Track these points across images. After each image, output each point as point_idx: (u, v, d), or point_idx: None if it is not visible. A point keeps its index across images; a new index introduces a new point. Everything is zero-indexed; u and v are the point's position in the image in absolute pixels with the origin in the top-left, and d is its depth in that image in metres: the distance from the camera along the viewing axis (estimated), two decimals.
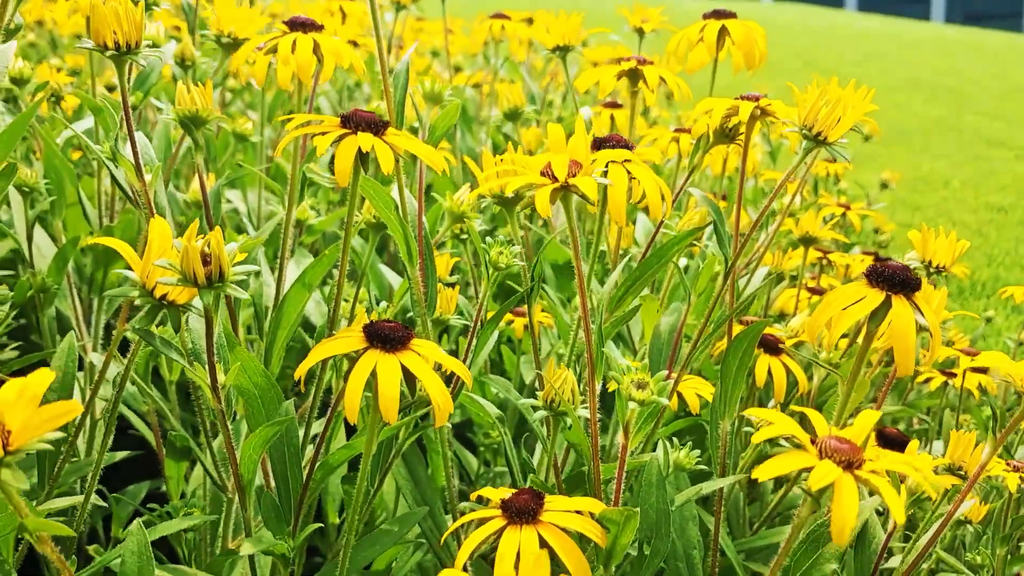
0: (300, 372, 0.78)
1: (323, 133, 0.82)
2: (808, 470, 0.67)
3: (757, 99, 0.99)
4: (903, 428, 2.21)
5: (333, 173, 0.82)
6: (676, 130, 1.36)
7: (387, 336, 0.76)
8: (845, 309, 0.85)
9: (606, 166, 0.80)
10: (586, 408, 0.86)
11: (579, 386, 0.92)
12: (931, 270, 1.21)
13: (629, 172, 0.88)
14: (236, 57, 0.96)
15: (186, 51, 1.35)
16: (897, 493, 0.65)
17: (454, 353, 1.47)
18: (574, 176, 0.74)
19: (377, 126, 0.83)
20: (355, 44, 1.89)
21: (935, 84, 9.02)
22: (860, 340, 0.91)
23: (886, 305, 0.84)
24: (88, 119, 1.34)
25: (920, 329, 0.85)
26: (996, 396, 1.96)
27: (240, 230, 1.60)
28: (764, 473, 0.66)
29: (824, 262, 1.97)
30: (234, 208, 1.60)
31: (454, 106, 0.98)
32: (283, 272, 1.05)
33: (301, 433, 1.09)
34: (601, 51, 2.27)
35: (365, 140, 0.80)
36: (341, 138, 0.81)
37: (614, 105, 1.63)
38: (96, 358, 1.14)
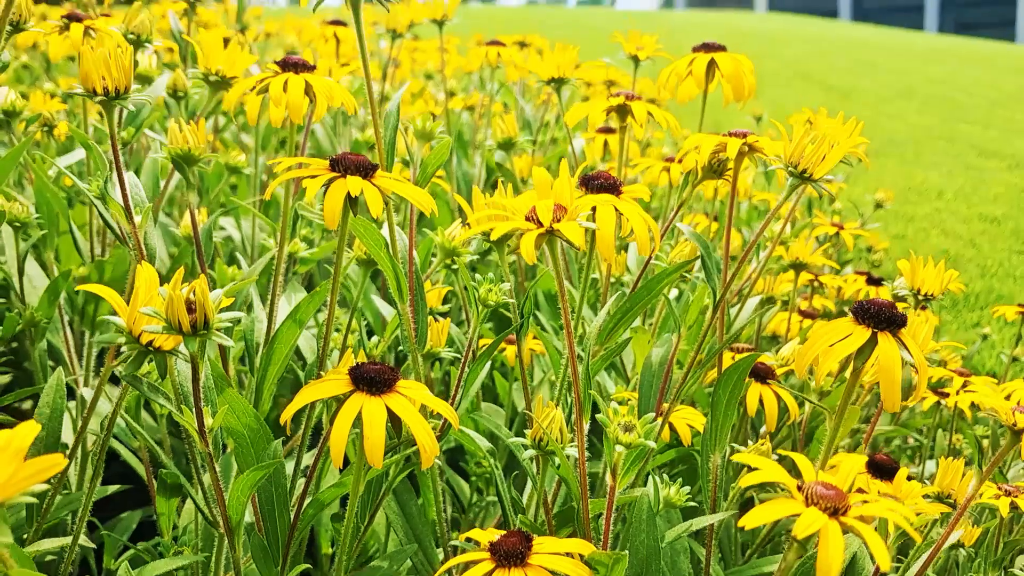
0: (286, 416, 0.78)
1: (313, 176, 0.82)
2: (795, 516, 0.67)
3: (744, 135, 0.99)
4: (898, 444, 2.22)
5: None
6: (666, 159, 1.37)
7: (373, 379, 0.77)
8: (832, 346, 0.86)
9: (592, 209, 0.81)
10: (574, 447, 0.86)
11: (568, 424, 0.92)
12: (919, 298, 1.22)
13: (617, 209, 0.89)
14: (228, 99, 0.96)
15: (178, 82, 1.36)
16: (883, 540, 0.66)
17: (446, 382, 1.48)
18: (559, 221, 0.75)
19: (366, 169, 0.83)
20: (348, 66, 1.89)
21: (928, 93, 9.06)
22: (848, 375, 0.91)
23: (872, 342, 0.85)
24: (80, 150, 1.34)
25: (907, 365, 0.86)
26: (989, 415, 1.96)
27: (233, 260, 1.60)
28: (752, 521, 0.66)
29: (816, 284, 1.97)
30: (228, 236, 1.60)
31: (445, 144, 0.98)
32: (274, 308, 1.05)
33: (292, 466, 1.09)
34: (594, 72, 2.28)
35: (354, 184, 0.81)
36: (330, 182, 0.82)
37: (608, 131, 1.64)
38: (87, 392, 1.14)
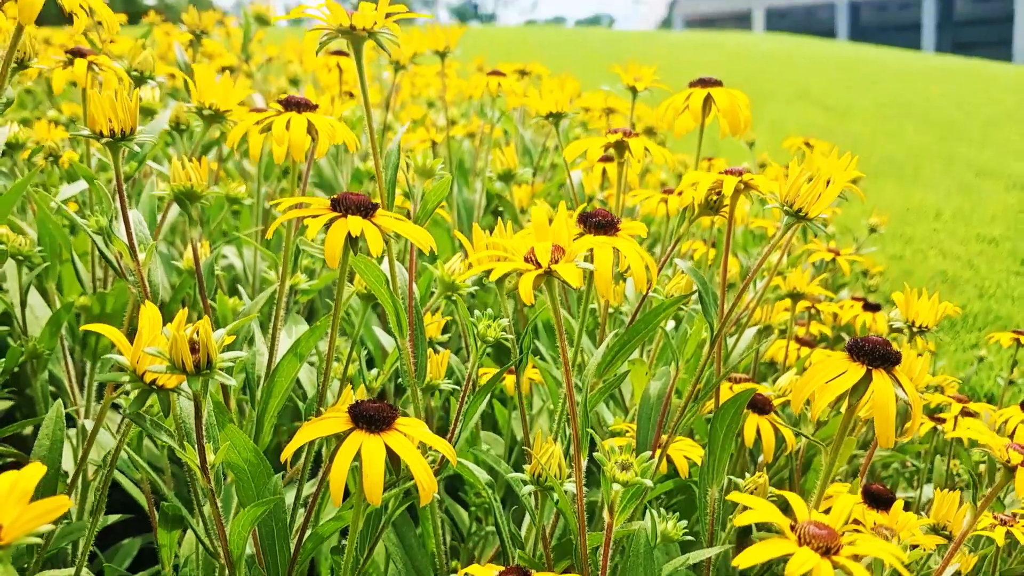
0: (287, 455, 0.79)
1: (314, 216, 0.84)
2: (788, 555, 0.68)
3: (740, 173, 1.01)
4: (896, 468, 2.22)
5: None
6: (664, 190, 1.38)
7: (372, 417, 0.78)
8: (828, 382, 0.87)
9: (589, 251, 0.82)
10: (573, 482, 0.87)
11: (566, 457, 0.93)
12: (914, 330, 1.23)
13: (615, 247, 0.90)
14: (231, 136, 0.97)
15: (180, 115, 1.37)
16: None
17: (446, 408, 1.48)
18: (557, 262, 0.76)
19: (367, 208, 0.84)
20: (351, 96, 1.92)
21: (926, 113, 9.10)
22: (843, 410, 0.92)
23: (867, 379, 0.86)
24: (83, 181, 1.35)
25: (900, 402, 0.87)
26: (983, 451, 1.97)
27: (235, 290, 1.61)
28: (745, 560, 0.67)
29: (812, 310, 1.98)
30: (230, 264, 1.61)
31: (445, 181, 1.00)
32: (276, 341, 1.06)
33: (292, 495, 1.10)
34: (594, 99, 2.30)
35: (355, 224, 0.82)
36: (331, 221, 0.83)
37: (606, 159, 1.66)
38: (89, 424, 1.14)
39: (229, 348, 0.77)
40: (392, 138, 2.19)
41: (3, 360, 1.12)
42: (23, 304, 1.26)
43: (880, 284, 2.62)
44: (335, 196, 0.85)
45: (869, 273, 2.57)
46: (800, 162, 1.03)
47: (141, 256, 0.90)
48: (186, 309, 0.74)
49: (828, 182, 1.16)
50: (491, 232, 2.02)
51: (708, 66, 10.79)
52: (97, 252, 1.36)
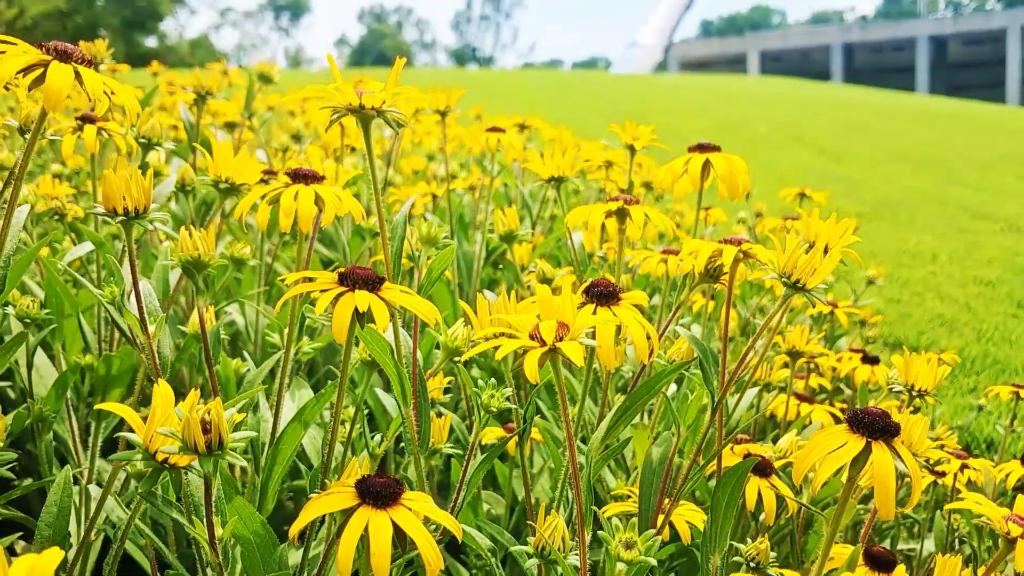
0: (294, 531, 0.80)
1: (322, 290, 0.85)
2: None
3: (740, 243, 1.03)
4: (896, 518, 2.22)
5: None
6: (664, 251, 1.40)
7: (379, 493, 0.79)
8: (828, 454, 0.88)
9: (592, 328, 0.83)
10: (576, 555, 0.87)
11: (569, 526, 0.94)
12: (913, 393, 1.24)
13: (616, 317, 0.92)
14: (239, 207, 0.99)
15: (186, 176, 1.40)
16: None
17: (447, 464, 1.49)
18: (560, 339, 0.77)
19: (373, 283, 0.86)
20: (352, 151, 1.95)
21: (921, 156, 9.19)
22: (844, 480, 0.93)
23: (867, 451, 0.87)
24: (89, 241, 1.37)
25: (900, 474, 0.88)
26: (984, 487, 1.97)
27: (236, 346, 1.62)
28: None
29: (812, 364, 2.00)
30: (231, 320, 1.63)
31: (450, 250, 1.01)
32: (280, 409, 1.07)
33: (300, 555, 1.10)
34: (593, 152, 2.34)
35: (362, 299, 0.83)
36: (339, 296, 0.84)
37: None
38: (94, 489, 1.15)
39: (239, 432, 0.78)
40: (393, 193, 2.23)
41: (10, 423, 1.12)
42: (29, 366, 1.27)
43: (879, 335, 2.63)
44: (342, 270, 0.87)
45: (867, 323, 2.59)
46: (804, 210, 1.05)
47: (151, 328, 0.91)
48: (197, 392, 0.76)
49: (826, 249, 1.18)
50: (491, 284, 2.02)
51: (704, 109, 10.91)
52: (104, 313, 1.38)
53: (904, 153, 9.24)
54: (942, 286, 4.74)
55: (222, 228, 1.77)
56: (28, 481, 1.70)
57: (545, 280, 1.43)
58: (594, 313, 0.93)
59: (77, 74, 0.79)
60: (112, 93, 0.79)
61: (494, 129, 1.84)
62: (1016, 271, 5.14)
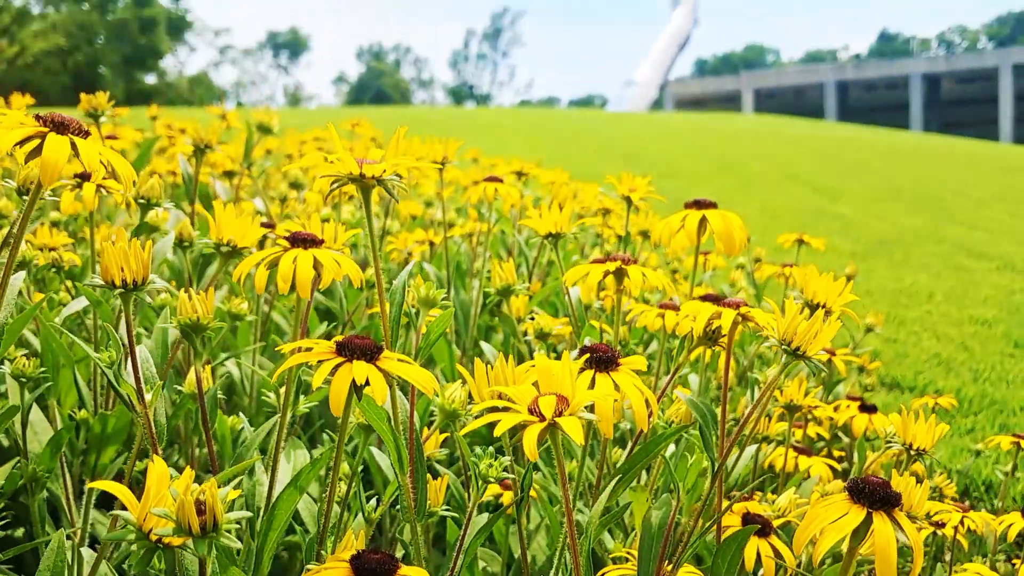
0: None
1: (320, 361, 0.85)
2: None
3: (738, 306, 1.03)
4: (897, 568, 2.19)
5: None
6: (661, 306, 1.40)
7: (374, 571, 0.78)
8: (829, 524, 0.87)
9: (591, 402, 0.83)
10: None
11: None
12: (912, 452, 1.24)
13: (614, 380, 0.92)
14: (236, 271, 0.99)
15: (184, 232, 1.40)
16: None
17: (443, 523, 1.47)
18: (560, 414, 0.77)
19: (371, 352, 0.86)
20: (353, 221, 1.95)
21: (916, 194, 9.23)
22: (844, 551, 0.92)
23: (868, 521, 0.87)
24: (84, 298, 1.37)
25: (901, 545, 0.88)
26: (985, 537, 1.96)
27: (231, 399, 1.61)
28: None
29: (809, 415, 1.99)
30: (226, 371, 1.62)
31: (448, 313, 1.01)
32: (276, 471, 1.06)
33: None
34: (590, 198, 2.35)
35: (360, 371, 0.83)
36: (337, 367, 0.84)
37: (602, 263, 1.68)
38: (87, 553, 1.14)
39: (235, 512, 0.77)
40: (391, 242, 2.23)
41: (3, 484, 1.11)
42: (24, 424, 1.26)
43: (875, 384, 2.62)
44: (340, 340, 0.86)
45: (866, 369, 2.58)
46: (800, 261, 1.05)
47: (148, 397, 0.91)
48: (192, 472, 0.75)
49: (825, 309, 1.18)
50: (487, 330, 2.01)
51: (700, 147, 10.98)
52: (101, 373, 1.37)
53: (899, 191, 9.28)
54: (938, 325, 4.74)
55: (218, 280, 1.77)
56: (20, 532, 1.68)
57: (542, 335, 1.43)
58: (593, 380, 0.93)
59: (73, 145, 0.79)
60: (108, 163, 0.80)
61: (491, 179, 1.85)
62: (1012, 310, 5.14)
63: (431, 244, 2.17)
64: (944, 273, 6.10)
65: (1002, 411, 3.51)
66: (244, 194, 2.21)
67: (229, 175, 2.01)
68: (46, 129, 0.78)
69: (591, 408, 0.80)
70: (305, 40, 54.15)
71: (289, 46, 53.73)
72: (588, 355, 0.95)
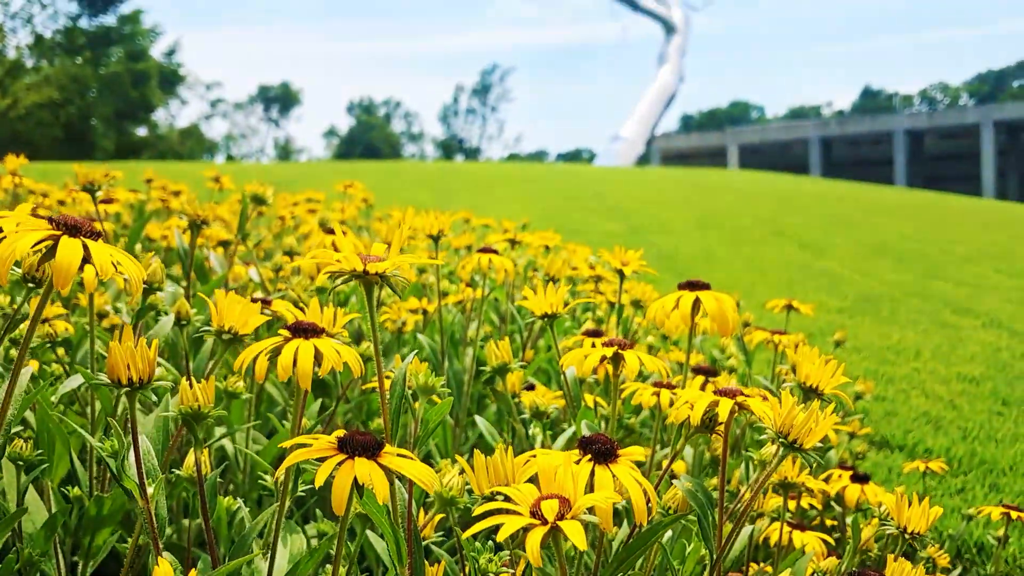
0: None
1: (321, 458, 0.85)
2: None
3: (735, 395, 1.04)
4: None
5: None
6: (655, 384, 1.42)
7: None
8: None
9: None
10: None
11: None
12: (907, 537, 1.24)
13: (613, 472, 0.93)
14: (237, 362, 1.00)
15: (182, 309, 1.41)
16: None
17: None
18: (562, 518, 0.78)
19: (373, 449, 0.86)
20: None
21: (901, 249, 9.33)
22: None
23: None
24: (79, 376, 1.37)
25: None
26: None
27: (224, 479, 1.61)
28: None
29: (803, 487, 1.99)
30: (220, 445, 1.62)
31: (446, 403, 1.02)
32: (274, 560, 1.06)
33: None
34: (582, 263, 2.37)
35: (362, 469, 0.84)
36: (339, 464, 0.85)
37: (595, 334, 1.70)
38: None
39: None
40: (386, 311, 2.24)
41: None
42: (19, 504, 1.25)
43: (866, 452, 2.63)
44: (341, 436, 0.87)
45: (856, 435, 2.59)
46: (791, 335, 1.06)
47: (150, 490, 0.91)
48: (195, 573, 0.75)
49: (819, 391, 1.20)
50: (480, 399, 2.01)
51: (687, 202, 11.10)
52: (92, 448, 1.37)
53: (884, 247, 9.38)
54: (926, 383, 4.75)
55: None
56: None
57: (538, 414, 1.44)
58: (592, 473, 0.93)
59: (86, 247, 0.80)
60: (118, 264, 0.81)
61: (486, 250, 1.87)
62: (999, 367, 5.17)
63: (425, 313, 2.19)
64: (931, 330, 6.14)
65: (992, 471, 3.51)
66: (238, 259, 2.22)
67: (224, 244, 2.03)
68: (59, 232, 0.80)
69: (592, 509, 0.81)
70: (296, 94, 54.62)
71: (280, 100, 54.18)
72: (587, 446, 0.96)
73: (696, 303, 1.31)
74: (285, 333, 1.00)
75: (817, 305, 6.45)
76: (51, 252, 0.80)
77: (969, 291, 7.63)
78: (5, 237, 0.78)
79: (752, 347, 2.79)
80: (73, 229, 0.80)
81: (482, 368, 1.80)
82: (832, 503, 2.35)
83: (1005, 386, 4.88)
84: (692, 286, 1.32)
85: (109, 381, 0.86)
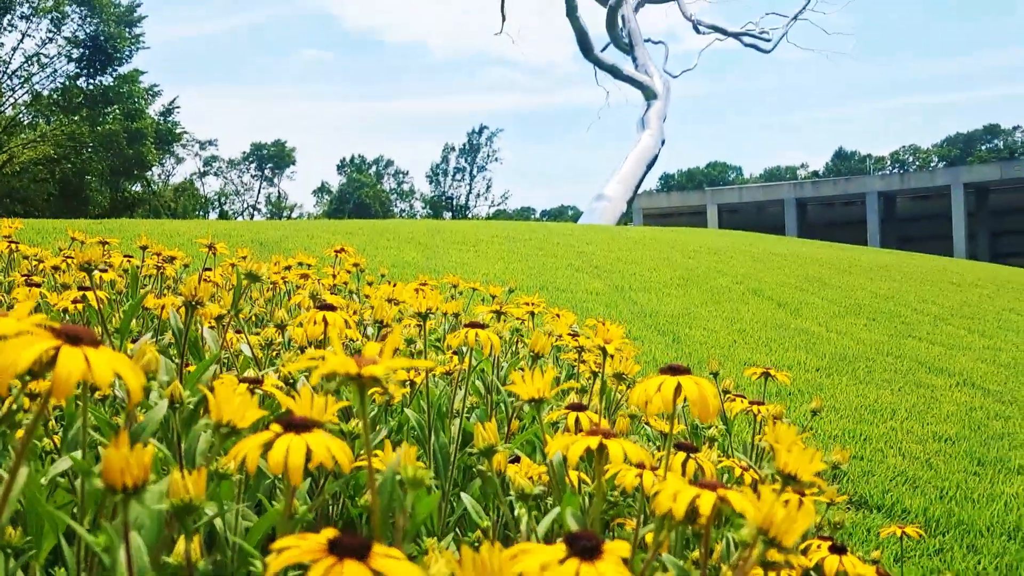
0: None
1: (312, 561, 0.87)
2: None
3: (715, 488, 1.07)
4: None
5: None
6: (638, 465, 1.44)
7: None
8: None
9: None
10: None
11: None
12: None
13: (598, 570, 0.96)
14: (228, 456, 1.02)
15: (175, 391, 1.43)
16: None
17: None
18: None
19: (363, 550, 0.88)
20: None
21: (875, 309, 9.44)
22: None
23: None
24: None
25: None
26: None
27: (215, 563, 1.60)
28: None
29: (784, 564, 2.01)
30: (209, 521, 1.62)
31: (434, 497, 1.05)
32: None
33: None
34: (562, 326, 2.42)
35: (351, 573, 0.85)
36: (329, 568, 0.86)
37: (578, 407, 1.73)
38: None
39: None
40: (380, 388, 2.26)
41: None
42: None
43: (843, 522, 2.65)
44: (332, 538, 0.89)
45: (834, 504, 2.62)
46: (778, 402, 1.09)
47: None
48: None
49: (797, 479, 1.23)
50: (466, 470, 2.02)
51: (668, 261, 11.21)
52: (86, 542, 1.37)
53: (859, 306, 9.50)
54: (903, 443, 4.80)
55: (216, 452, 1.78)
56: None
57: (523, 496, 1.46)
58: (577, 572, 0.96)
59: (86, 357, 0.83)
60: (119, 376, 0.83)
61: (473, 325, 1.90)
62: (973, 427, 5.23)
63: (412, 384, 2.21)
64: (906, 388, 6.21)
65: (969, 531, 3.53)
66: (230, 333, 2.24)
67: (219, 319, 2.05)
68: (59, 342, 0.82)
69: None
70: (290, 153, 54.84)
71: (273, 158, 54.39)
72: (572, 543, 0.98)
73: (678, 388, 1.34)
74: (277, 428, 1.03)
75: (796, 364, 6.51)
76: (51, 362, 0.82)
77: (942, 351, 7.73)
78: (6, 341, 0.80)
79: (732, 416, 2.83)
80: (74, 339, 0.83)
81: (470, 451, 1.81)
82: (812, 573, 2.36)
83: (980, 446, 4.93)
84: (673, 371, 1.36)
85: (104, 486, 0.88)
